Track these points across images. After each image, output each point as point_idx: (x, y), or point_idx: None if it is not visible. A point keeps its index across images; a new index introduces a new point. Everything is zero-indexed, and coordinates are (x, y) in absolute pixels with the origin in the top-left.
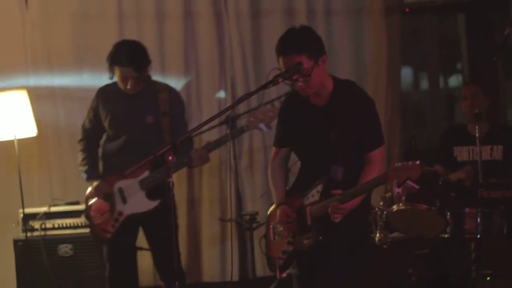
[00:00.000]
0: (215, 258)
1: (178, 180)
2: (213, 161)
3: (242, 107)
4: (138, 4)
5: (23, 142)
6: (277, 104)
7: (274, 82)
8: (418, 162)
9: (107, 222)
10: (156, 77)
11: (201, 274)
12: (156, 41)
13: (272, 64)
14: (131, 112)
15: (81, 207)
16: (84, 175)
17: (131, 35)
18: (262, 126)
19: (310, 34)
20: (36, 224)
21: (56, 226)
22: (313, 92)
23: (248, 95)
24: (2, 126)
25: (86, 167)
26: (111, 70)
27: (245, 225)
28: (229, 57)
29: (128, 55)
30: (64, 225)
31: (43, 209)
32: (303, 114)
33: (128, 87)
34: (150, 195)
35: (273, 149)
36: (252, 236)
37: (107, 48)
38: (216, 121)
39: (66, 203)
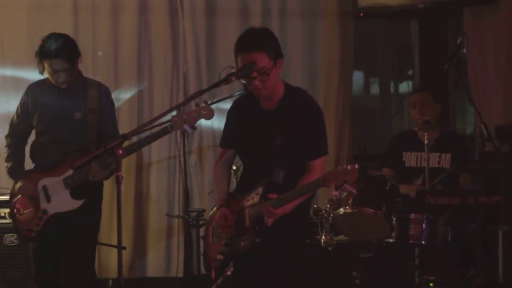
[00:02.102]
0: (160, 254)
1: (127, 174)
2: (162, 156)
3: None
4: None
5: None
6: (202, 104)
7: (226, 80)
8: (356, 165)
9: (31, 220)
10: (109, 70)
11: (146, 269)
12: (110, 34)
13: (225, 62)
14: (59, 108)
15: None
16: (8, 172)
17: (85, 28)
18: (186, 127)
19: (271, 35)
20: None
21: (2, 215)
22: (267, 94)
23: (200, 93)
24: None
25: (10, 163)
26: (41, 65)
27: (191, 221)
28: (182, 54)
29: (58, 47)
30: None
31: None
32: (251, 116)
33: (60, 80)
34: (74, 194)
35: (219, 149)
36: (198, 233)
37: None
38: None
39: None
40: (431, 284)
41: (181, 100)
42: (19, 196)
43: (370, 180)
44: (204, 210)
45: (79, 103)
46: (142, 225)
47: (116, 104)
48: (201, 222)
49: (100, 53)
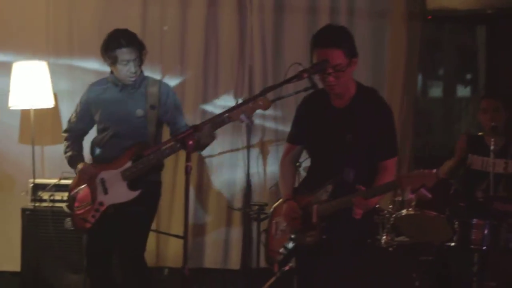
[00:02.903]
0: (219, 245)
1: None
2: (225, 149)
3: None
4: None
5: (39, 112)
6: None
7: (298, 76)
8: (434, 170)
9: (88, 212)
10: (175, 62)
11: (203, 259)
12: (178, 26)
13: (292, 59)
14: (121, 105)
15: None
16: (68, 162)
17: (154, 20)
18: (242, 117)
19: (348, 33)
20: (45, 195)
21: (65, 198)
22: (339, 91)
23: (271, 88)
24: (21, 95)
25: (70, 153)
26: (110, 57)
27: (253, 215)
28: (249, 49)
29: (129, 38)
30: None
31: (53, 180)
32: (321, 113)
33: (131, 70)
34: (131, 186)
35: (286, 145)
36: (259, 227)
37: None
38: None
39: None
40: None
41: (246, 94)
42: (80, 187)
43: (435, 183)
44: (266, 204)
45: (140, 100)
46: (201, 216)
47: (182, 96)
48: (262, 216)
49: (165, 27)
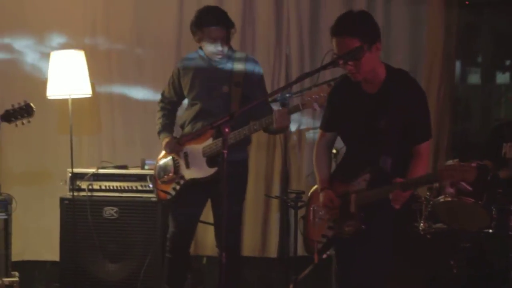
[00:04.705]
0: (257, 234)
1: None
2: (261, 137)
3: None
4: None
5: (76, 102)
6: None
7: (334, 63)
8: (474, 164)
9: (169, 184)
10: None
11: (241, 248)
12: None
13: (328, 46)
14: (208, 80)
15: (129, 171)
16: (158, 130)
17: (190, 11)
18: (315, 106)
19: (367, 19)
20: (84, 185)
21: (103, 188)
22: (362, 78)
23: (307, 74)
24: (58, 84)
25: (160, 121)
26: (199, 34)
27: (290, 203)
28: (285, 36)
29: (217, 16)
30: (111, 188)
31: (91, 170)
32: (353, 99)
33: (218, 48)
34: (210, 163)
35: (319, 131)
36: (296, 215)
37: (166, 20)
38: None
39: (114, 166)
40: None
41: (282, 82)
42: (163, 160)
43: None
44: (303, 192)
45: (227, 77)
46: None
47: None
48: (299, 204)
49: None
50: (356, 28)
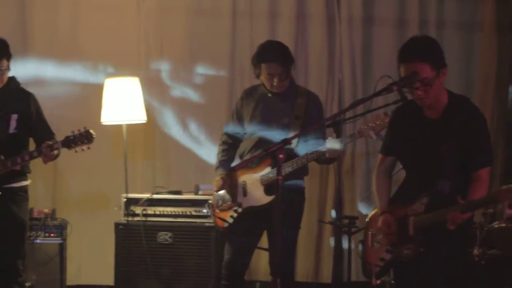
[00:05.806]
0: (310, 259)
1: None
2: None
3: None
4: (252, 2)
5: (131, 128)
6: (389, 112)
7: (388, 89)
8: None
9: (227, 212)
10: None
11: (294, 273)
12: (267, 38)
13: (381, 71)
14: (269, 111)
15: (183, 196)
16: (216, 166)
17: (243, 33)
18: (372, 134)
19: (435, 44)
20: (138, 210)
21: (158, 213)
22: (430, 103)
23: (361, 101)
24: (113, 111)
25: (220, 157)
26: (258, 68)
27: (344, 228)
28: (338, 61)
29: (274, 52)
30: (165, 213)
31: (146, 195)
32: (415, 125)
33: (274, 83)
34: (268, 191)
35: (379, 156)
36: (350, 240)
37: (219, 43)
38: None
39: (168, 192)
40: None
41: (335, 107)
42: (221, 191)
43: None
44: (356, 217)
45: (288, 109)
46: None
47: None
48: (353, 230)
49: None
50: (426, 54)
